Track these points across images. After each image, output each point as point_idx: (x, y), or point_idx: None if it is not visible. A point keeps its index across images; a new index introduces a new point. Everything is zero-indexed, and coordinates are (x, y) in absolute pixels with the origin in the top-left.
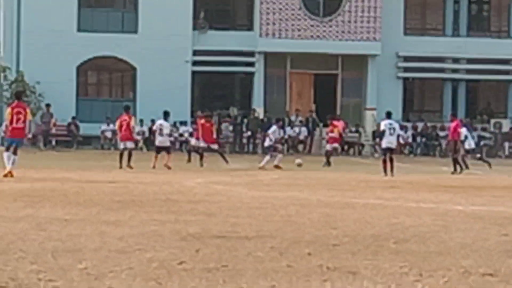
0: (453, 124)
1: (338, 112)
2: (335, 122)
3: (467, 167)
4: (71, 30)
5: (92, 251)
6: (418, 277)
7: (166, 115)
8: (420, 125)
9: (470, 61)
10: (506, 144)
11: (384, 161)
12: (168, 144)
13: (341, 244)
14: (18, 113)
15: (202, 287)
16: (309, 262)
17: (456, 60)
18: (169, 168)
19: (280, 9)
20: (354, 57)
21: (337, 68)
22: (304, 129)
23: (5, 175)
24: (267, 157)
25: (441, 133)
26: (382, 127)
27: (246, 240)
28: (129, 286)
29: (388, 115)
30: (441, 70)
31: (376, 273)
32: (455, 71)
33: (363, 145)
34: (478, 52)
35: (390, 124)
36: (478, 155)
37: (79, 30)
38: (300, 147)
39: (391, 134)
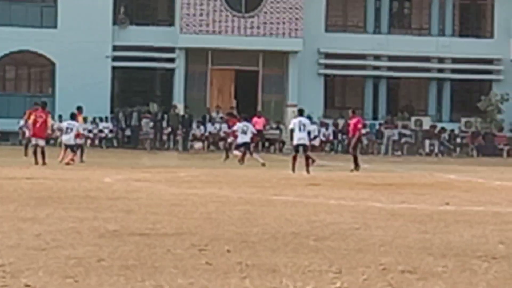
0: (353, 121)
1: (259, 108)
2: (256, 118)
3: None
4: None
5: (8, 248)
6: (338, 274)
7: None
8: (341, 122)
9: (391, 58)
10: (427, 142)
11: (294, 158)
12: (72, 142)
13: (261, 241)
14: None
15: (120, 285)
16: (228, 260)
17: (377, 57)
18: (68, 164)
19: (202, 4)
20: (276, 54)
21: (258, 64)
22: (224, 125)
23: None
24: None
25: (363, 130)
26: (291, 126)
27: (166, 237)
28: (46, 284)
29: (300, 112)
30: (363, 67)
31: (295, 271)
32: (376, 68)
33: (284, 142)
34: (399, 49)
35: (300, 121)
36: None
37: None
38: (221, 144)
39: (300, 130)
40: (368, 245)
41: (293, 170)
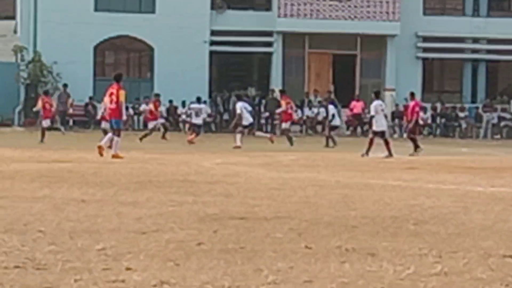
0: (411, 104)
1: (357, 92)
2: (354, 102)
3: (335, 143)
4: (88, 9)
5: (109, 231)
6: (438, 258)
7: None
8: (439, 106)
9: (490, 41)
10: None
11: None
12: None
13: (359, 225)
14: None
15: (220, 268)
16: (327, 243)
17: (476, 40)
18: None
19: None
20: (373, 37)
21: (356, 48)
22: (322, 109)
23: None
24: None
25: (461, 114)
26: (372, 111)
27: (265, 221)
28: (147, 267)
29: (377, 95)
30: (461, 51)
31: (395, 255)
32: (475, 51)
33: None
34: (499, 32)
35: (381, 105)
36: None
37: (96, 9)
38: (319, 127)
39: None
40: (468, 229)
41: (367, 153)
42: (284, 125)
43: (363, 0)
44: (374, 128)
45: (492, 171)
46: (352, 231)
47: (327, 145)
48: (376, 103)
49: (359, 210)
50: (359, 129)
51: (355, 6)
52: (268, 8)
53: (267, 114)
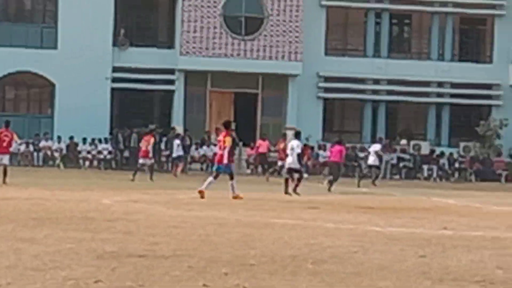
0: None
1: (258, 131)
2: (260, 141)
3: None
4: None
5: (6, 268)
6: None
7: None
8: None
9: (390, 82)
10: (425, 166)
11: (286, 180)
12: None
13: (259, 264)
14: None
15: None
16: (226, 282)
17: (376, 81)
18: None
19: (202, 27)
20: (275, 76)
21: (257, 87)
22: None
23: None
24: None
25: (361, 154)
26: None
27: (164, 259)
28: None
29: (296, 135)
30: (362, 91)
31: None
32: (375, 92)
33: (283, 165)
34: (399, 73)
35: (291, 145)
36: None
37: None
38: None
39: (292, 154)
40: (366, 268)
41: (286, 191)
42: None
43: (266, 39)
44: (292, 165)
45: (390, 211)
46: (251, 269)
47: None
48: (297, 142)
49: (258, 248)
50: (260, 168)
51: (258, 45)
52: (171, 46)
53: (167, 152)
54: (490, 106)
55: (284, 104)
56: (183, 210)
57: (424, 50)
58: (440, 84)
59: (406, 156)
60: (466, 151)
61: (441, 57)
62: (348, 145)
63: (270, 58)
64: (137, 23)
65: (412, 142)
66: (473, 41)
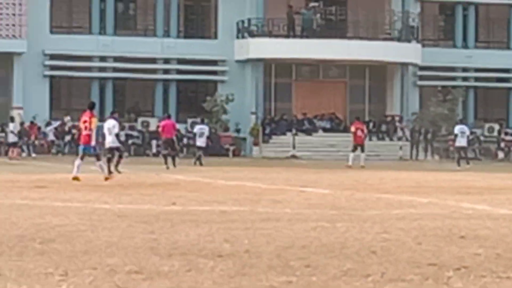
0: None
1: None
2: None
3: None
4: None
5: None
6: (63, 277)
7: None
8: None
9: (117, 59)
10: (154, 142)
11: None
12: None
13: None
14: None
15: None
16: None
17: (103, 59)
18: None
19: None
20: None
21: None
22: None
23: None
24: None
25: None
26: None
27: None
28: None
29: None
30: (89, 69)
31: (20, 274)
32: (102, 69)
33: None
34: (125, 50)
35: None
36: None
37: None
38: None
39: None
40: (94, 246)
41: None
42: None
43: None
44: (112, 145)
45: (119, 188)
46: None
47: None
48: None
49: None
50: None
51: None
52: None
53: None
54: (216, 82)
55: (10, 83)
56: None
57: (150, 27)
58: (166, 61)
59: (135, 133)
60: (191, 127)
61: (166, 34)
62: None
63: None
64: None
65: (141, 119)
66: (198, 17)
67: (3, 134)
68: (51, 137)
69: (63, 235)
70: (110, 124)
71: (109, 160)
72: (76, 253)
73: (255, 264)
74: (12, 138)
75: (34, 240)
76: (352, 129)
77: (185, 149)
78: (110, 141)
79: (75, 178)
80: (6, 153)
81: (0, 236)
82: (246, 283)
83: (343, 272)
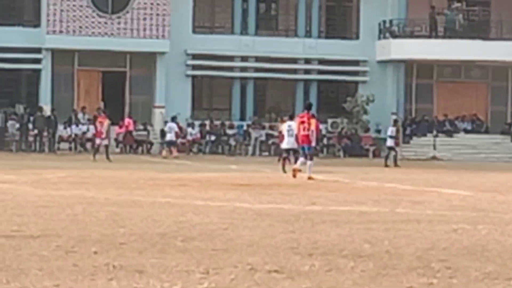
0: None
1: (127, 109)
2: (128, 120)
3: None
4: None
5: None
6: (205, 274)
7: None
8: (208, 123)
9: (258, 59)
10: None
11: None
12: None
13: (128, 242)
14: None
15: None
16: (95, 261)
17: (244, 59)
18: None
19: (68, 5)
20: (143, 55)
21: (125, 65)
22: (92, 127)
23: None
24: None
25: (230, 131)
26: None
27: (31, 239)
28: None
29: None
30: (230, 69)
31: (162, 271)
32: (243, 69)
33: (151, 143)
34: (266, 50)
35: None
36: None
37: None
38: (88, 145)
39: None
40: (235, 245)
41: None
42: None
43: (133, 17)
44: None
45: (259, 188)
46: (120, 248)
47: None
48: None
49: (127, 227)
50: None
51: (125, 24)
52: (37, 25)
53: (36, 131)
54: (357, 82)
55: (153, 82)
56: (51, 190)
57: (291, 27)
58: (307, 61)
59: (275, 133)
60: (334, 127)
61: (308, 34)
62: (217, 122)
63: (138, 36)
64: (2, 2)
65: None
66: (339, 18)
67: (145, 133)
68: (193, 136)
69: (204, 233)
70: (291, 126)
71: (284, 160)
72: (217, 251)
73: (396, 265)
74: (170, 137)
75: (176, 238)
76: None
77: (325, 149)
78: (289, 142)
79: (310, 178)
80: (160, 152)
81: (142, 234)
82: (387, 284)
83: (485, 274)
